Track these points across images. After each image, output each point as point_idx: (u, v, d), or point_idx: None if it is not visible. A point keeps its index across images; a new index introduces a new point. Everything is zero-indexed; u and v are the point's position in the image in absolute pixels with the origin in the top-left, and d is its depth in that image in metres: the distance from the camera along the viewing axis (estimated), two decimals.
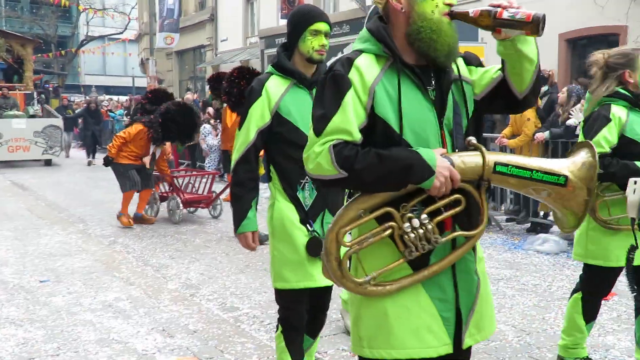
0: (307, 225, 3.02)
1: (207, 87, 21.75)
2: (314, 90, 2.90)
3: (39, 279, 6.03)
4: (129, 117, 19.41)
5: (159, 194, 9.34)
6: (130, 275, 6.17)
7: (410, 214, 1.98)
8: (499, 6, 1.91)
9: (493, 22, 1.92)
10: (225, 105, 10.31)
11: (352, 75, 2.01)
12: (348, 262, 2.07)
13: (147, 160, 8.77)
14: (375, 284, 2.05)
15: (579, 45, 13.01)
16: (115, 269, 6.40)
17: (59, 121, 16.99)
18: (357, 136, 1.99)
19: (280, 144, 3.03)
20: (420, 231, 1.97)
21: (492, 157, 1.99)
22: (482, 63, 2.21)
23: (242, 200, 3.06)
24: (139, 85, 37.18)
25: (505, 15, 1.89)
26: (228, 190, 9.02)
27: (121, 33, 40.32)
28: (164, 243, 7.60)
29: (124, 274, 6.21)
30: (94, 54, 40.40)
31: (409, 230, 1.98)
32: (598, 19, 12.07)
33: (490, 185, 2.02)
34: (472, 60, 2.19)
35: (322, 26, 3.01)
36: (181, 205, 8.88)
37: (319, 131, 2.01)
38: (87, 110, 18.47)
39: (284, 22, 16.39)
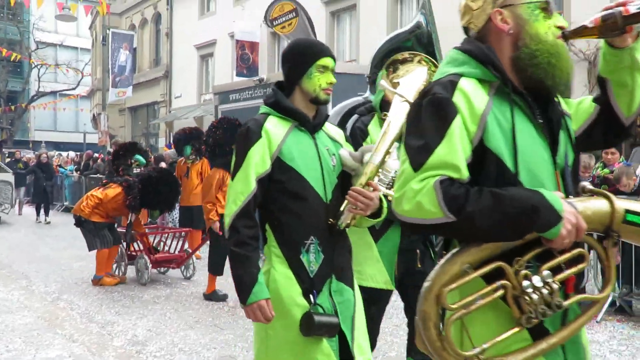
0: (310, 296, 2.55)
1: (161, 144, 21.68)
2: (318, 135, 2.68)
3: None
4: (79, 172, 19.14)
5: (126, 252, 8.59)
6: (73, 332, 5.93)
7: (525, 271, 1.63)
8: (619, 5, 1.68)
9: (622, 21, 1.68)
10: (180, 158, 10.27)
11: (458, 99, 1.69)
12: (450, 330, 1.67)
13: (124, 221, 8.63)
14: (486, 358, 1.66)
15: None
16: (58, 326, 6.15)
17: (9, 176, 16.14)
18: (465, 173, 1.66)
19: (281, 195, 2.57)
20: (545, 291, 1.62)
21: (622, 204, 1.66)
22: None
23: (249, 263, 2.51)
24: (90, 141, 36.74)
25: (633, 9, 1.66)
26: (198, 247, 8.82)
27: (74, 89, 40.03)
28: (110, 299, 7.36)
29: (67, 331, 5.96)
30: (45, 109, 39.84)
31: (530, 290, 1.62)
32: None
33: (618, 240, 1.69)
34: None
35: (329, 62, 2.64)
36: (150, 265, 8.26)
37: (418, 164, 1.65)
38: (38, 165, 17.56)
39: (238, 79, 16.58)
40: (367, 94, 3.95)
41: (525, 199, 1.59)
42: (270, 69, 19.12)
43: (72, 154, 24.53)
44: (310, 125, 2.65)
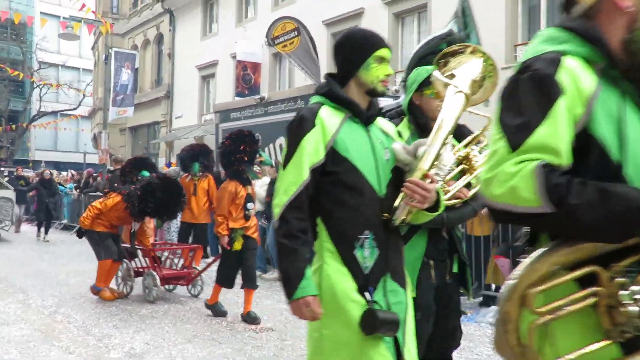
0: (367, 294, 2.41)
1: (161, 163, 21.68)
2: (371, 128, 2.58)
3: None
4: (78, 190, 19.10)
5: (134, 269, 8.38)
6: (70, 345, 5.86)
7: (623, 279, 1.46)
8: None
9: None
10: (184, 174, 10.23)
11: (563, 78, 1.52)
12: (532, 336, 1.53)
13: (125, 234, 8.50)
14: None
15: None
16: (55, 338, 6.08)
17: (10, 193, 15.83)
18: (567, 160, 1.50)
19: (334, 187, 2.44)
20: None
21: None
22: None
23: (296, 256, 2.36)
24: (90, 161, 36.76)
25: None
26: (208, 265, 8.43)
27: (75, 109, 40.16)
28: (108, 313, 7.29)
29: (63, 343, 5.90)
30: (46, 129, 39.95)
31: (627, 300, 1.44)
32: None
33: None
34: None
35: (386, 53, 2.57)
36: (159, 282, 7.92)
37: (515, 144, 1.49)
38: (41, 182, 17.26)
39: (239, 98, 16.62)
40: (401, 98, 3.96)
41: (635, 198, 1.42)
42: (271, 89, 19.19)
43: (71, 172, 24.57)
44: (364, 116, 2.56)
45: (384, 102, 10.89)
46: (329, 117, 2.48)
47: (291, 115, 9.37)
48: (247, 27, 21.65)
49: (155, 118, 26.94)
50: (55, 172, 24.70)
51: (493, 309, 7.20)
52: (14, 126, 38.47)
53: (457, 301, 3.38)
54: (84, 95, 39.05)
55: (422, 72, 3.34)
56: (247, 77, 20.06)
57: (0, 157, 31.87)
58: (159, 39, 27.83)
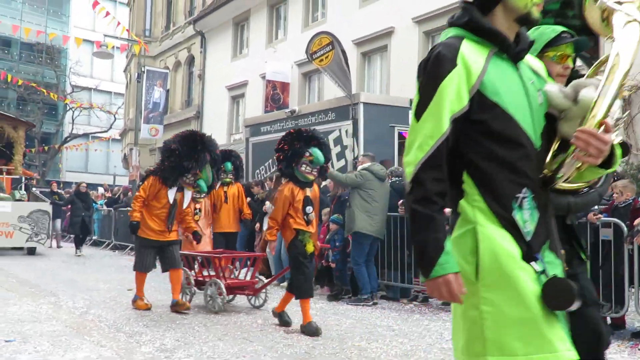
0: (534, 263, 1.99)
1: None
2: (521, 65, 2.15)
3: (4, 339, 5.70)
4: (108, 207, 19.28)
5: (193, 277, 8.10)
6: (101, 339, 5.85)
7: None
8: None
9: None
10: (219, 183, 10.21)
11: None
12: None
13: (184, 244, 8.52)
14: None
15: None
16: (86, 334, 6.08)
17: (46, 206, 15.58)
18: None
19: (484, 138, 2.04)
20: None
21: None
22: None
23: (434, 225, 1.96)
24: (120, 183, 37.19)
25: None
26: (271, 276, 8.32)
27: (106, 131, 40.80)
28: (138, 314, 7.29)
29: (95, 338, 5.89)
30: (77, 150, 40.61)
31: None
32: None
33: None
34: None
35: None
36: (224, 291, 7.52)
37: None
38: (76, 194, 16.84)
39: (268, 114, 16.70)
40: None
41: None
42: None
43: (101, 189, 24.85)
44: (514, 51, 2.11)
45: None
46: (472, 54, 2.04)
47: (321, 128, 9.35)
48: (277, 47, 21.87)
49: None
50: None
51: None
52: (46, 148, 39.20)
53: (591, 291, 3.00)
54: (115, 117, 39.69)
55: (546, 30, 2.91)
56: (276, 96, 20.21)
57: (31, 177, 32.34)
58: (190, 60, 28.23)
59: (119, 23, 17.35)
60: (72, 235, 18.15)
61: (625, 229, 6.42)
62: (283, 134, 12.31)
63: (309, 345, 5.78)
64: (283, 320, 6.70)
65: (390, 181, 9.10)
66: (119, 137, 38.49)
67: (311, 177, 6.56)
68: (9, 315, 6.93)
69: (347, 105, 10.89)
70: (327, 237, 9.11)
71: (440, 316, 7.63)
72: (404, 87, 15.71)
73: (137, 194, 7.90)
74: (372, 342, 6.03)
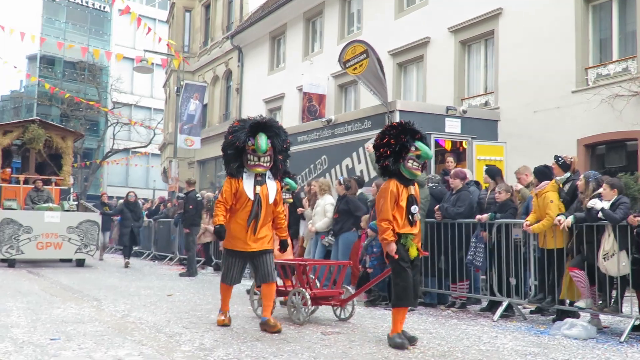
0: None
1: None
2: None
3: (49, 337, 5.86)
4: (148, 218, 19.58)
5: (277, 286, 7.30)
6: (142, 339, 5.97)
7: None
8: None
9: None
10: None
11: None
12: None
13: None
14: None
15: (597, 150, 13.15)
16: (128, 334, 6.21)
17: (96, 216, 14.94)
18: None
19: None
20: None
21: None
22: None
23: None
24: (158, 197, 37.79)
25: None
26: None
27: (145, 146, 41.53)
28: (178, 317, 7.40)
29: (136, 337, 6.02)
30: (118, 164, 41.38)
31: None
32: (615, 125, 12.27)
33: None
34: None
35: None
36: (309, 301, 7.04)
37: None
38: (126, 204, 16.44)
39: (304, 124, 16.83)
40: None
41: None
42: None
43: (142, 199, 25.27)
44: None
45: (451, 124, 10.64)
46: None
47: (358, 137, 9.42)
48: (313, 60, 22.06)
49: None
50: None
51: (568, 320, 6.95)
52: (88, 163, 40.07)
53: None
54: (154, 133, 40.40)
55: None
56: (312, 108, 20.37)
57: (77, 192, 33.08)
58: (228, 75, 28.65)
59: (160, 39, 17.68)
60: (118, 247, 17.98)
61: None
62: (320, 142, 12.57)
63: (346, 346, 5.81)
64: (398, 344, 5.75)
65: (428, 187, 9.10)
66: (159, 152, 39.12)
67: (419, 173, 6.03)
68: (53, 317, 7.12)
69: (383, 114, 10.93)
70: (365, 243, 9.14)
71: (478, 321, 7.58)
72: (440, 96, 15.71)
73: (217, 200, 6.83)
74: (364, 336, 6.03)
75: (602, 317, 7.25)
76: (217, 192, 18.93)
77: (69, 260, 15.16)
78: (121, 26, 49.78)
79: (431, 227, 8.82)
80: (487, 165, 10.31)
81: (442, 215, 8.71)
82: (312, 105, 20.55)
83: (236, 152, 6.55)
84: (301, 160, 12.67)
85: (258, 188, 6.61)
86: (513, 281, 7.95)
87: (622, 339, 6.43)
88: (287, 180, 8.78)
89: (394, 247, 5.82)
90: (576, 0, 13.39)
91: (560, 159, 7.98)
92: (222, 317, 6.83)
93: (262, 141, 6.45)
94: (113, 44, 50.24)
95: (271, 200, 6.72)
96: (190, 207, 13.36)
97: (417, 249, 6.00)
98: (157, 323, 6.93)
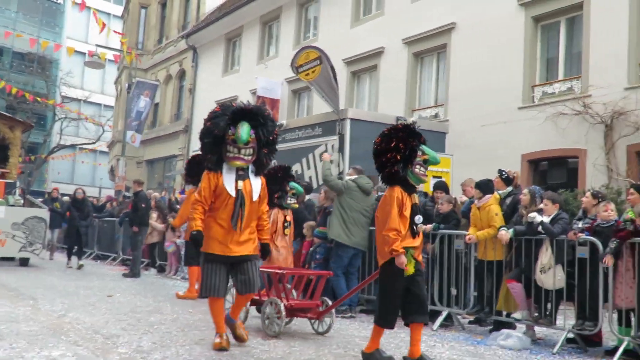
0: None
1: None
2: None
3: None
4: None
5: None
6: (78, 339, 5.85)
7: None
8: None
9: None
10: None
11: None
12: None
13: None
14: None
15: (540, 166, 13.51)
16: (63, 334, 6.08)
17: (43, 212, 14.15)
18: None
19: None
20: None
21: None
22: None
23: None
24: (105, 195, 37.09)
25: None
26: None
27: (94, 143, 40.71)
28: (117, 319, 7.27)
29: (71, 338, 5.89)
30: (64, 159, 40.42)
31: None
32: (559, 142, 12.63)
33: None
34: None
35: None
36: (284, 312, 6.59)
37: None
38: (73, 202, 15.12)
39: None
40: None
41: None
42: None
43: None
44: None
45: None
46: None
47: (308, 143, 9.41)
48: (268, 64, 22.05)
49: (172, 152, 27.23)
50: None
51: (504, 331, 7.11)
52: (32, 157, 39.02)
53: None
54: (103, 129, 39.64)
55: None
56: None
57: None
58: (181, 74, 28.37)
59: (114, 31, 17.36)
60: (62, 246, 17.14)
61: (601, 247, 6.53)
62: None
63: (286, 351, 5.81)
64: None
65: (376, 196, 9.19)
66: (107, 149, 38.41)
67: (425, 180, 5.63)
68: None
69: (334, 121, 11.01)
70: (310, 250, 9.16)
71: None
72: (391, 106, 15.90)
73: (195, 198, 5.88)
74: (349, 350, 6.07)
75: (537, 328, 7.45)
76: (163, 192, 18.74)
77: (12, 259, 14.07)
78: (74, 19, 48.73)
79: (375, 235, 8.89)
80: (434, 177, 10.49)
81: None
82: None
83: (214, 142, 5.72)
84: None
85: (240, 183, 5.74)
86: (454, 291, 8.10)
87: (555, 350, 6.61)
88: (293, 184, 8.34)
89: (404, 259, 5.26)
90: (526, 20, 13.77)
91: (503, 173, 8.18)
92: (219, 340, 5.72)
93: (243, 130, 5.59)
94: (65, 37, 49.13)
95: (255, 198, 5.84)
96: (143, 205, 13.19)
97: (418, 262, 5.48)
98: (95, 324, 6.80)
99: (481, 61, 14.46)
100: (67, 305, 8.15)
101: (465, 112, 14.55)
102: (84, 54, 41.82)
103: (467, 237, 7.87)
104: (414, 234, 5.42)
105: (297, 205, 8.69)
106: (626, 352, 6.40)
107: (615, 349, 6.47)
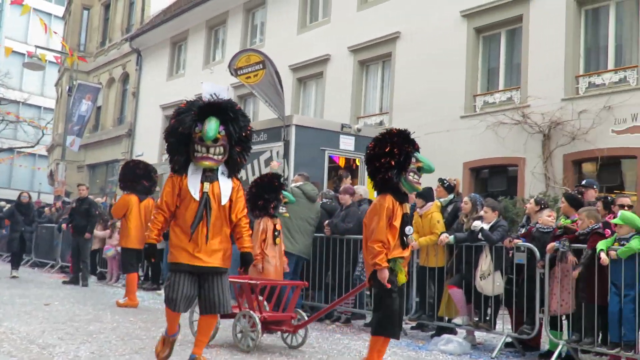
0: None
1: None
2: None
3: None
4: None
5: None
6: (12, 350, 5.67)
7: None
8: None
9: None
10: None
11: None
12: None
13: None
14: None
15: (481, 174, 13.82)
16: None
17: None
18: None
19: None
20: None
21: None
22: None
23: None
24: (45, 200, 36.03)
25: None
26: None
27: (33, 147, 39.56)
28: (54, 328, 7.07)
29: (5, 348, 5.70)
30: (1, 163, 39.14)
31: None
32: (499, 151, 12.95)
33: None
34: None
35: None
36: (259, 326, 6.23)
37: None
38: (17, 206, 14.14)
39: None
40: None
41: None
42: None
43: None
44: None
45: (346, 141, 10.80)
46: None
47: (254, 148, 9.27)
48: (214, 69, 21.89)
49: (115, 156, 26.71)
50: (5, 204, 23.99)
51: (445, 336, 7.23)
52: None
53: None
54: (43, 133, 38.57)
55: None
56: None
57: None
58: (125, 77, 27.88)
59: (55, 32, 16.92)
60: (5, 254, 16.18)
61: (538, 253, 6.71)
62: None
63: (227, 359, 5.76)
64: None
65: (321, 202, 9.23)
66: (46, 153, 37.38)
67: (419, 188, 5.45)
68: None
69: (279, 127, 11.00)
70: None
71: (361, 336, 7.72)
72: (337, 113, 15.99)
73: (156, 205, 5.39)
74: (292, 357, 6.06)
75: (477, 333, 7.60)
76: (105, 198, 18.35)
77: None
78: (13, 18, 47.29)
79: (320, 241, 8.93)
80: None
81: (331, 230, 8.83)
82: None
83: (180, 141, 5.07)
84: None
85: (207, 186, 5.06)
86: None
87: (494, 354, 6.76)
88: (285, 193, 8.08)
89: (386, 274, 5.02)
90: (468, 30, 14.08)
91: (445, 181, 8.33)
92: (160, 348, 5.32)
93: (211, 126, 4.94)
94: (3, 37, 47.60)
95: (224, 202, 5.11)
96: (97, 212, 12.91)
97: (405, 274, 5.29)
98: (31, 333, 6.59)
99: (425, 70, 14.72)
100: (0, 314, 7.87)
101: (409, 120, 14.69)
102: (23, 54, 40.64)
103: (411, 244, 7.96)
104: (404, 245, 5.19)
105: (287, 215, 8.37)
106: (567, 357, 6.62)
107: (550, 352, 6.66)
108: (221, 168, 5.16)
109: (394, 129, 5.33)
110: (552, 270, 6.70)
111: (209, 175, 5.10)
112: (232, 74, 12.32)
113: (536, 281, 6.73)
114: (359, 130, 11.69)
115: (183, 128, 5.01)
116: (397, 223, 5.11)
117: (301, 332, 6.60)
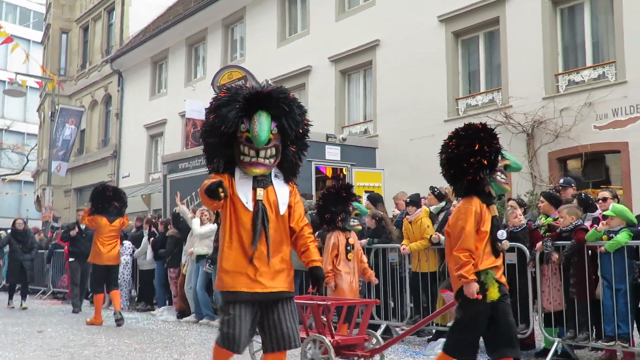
0: None
1: None
2: None
3: None
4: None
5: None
6: None
7: None
8: None
9: None
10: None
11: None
12: None
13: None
14: None
15: None
16: None
17: None
18: None
19: None
20: None
21: None
22: None
23: None
24: (32, 227, 35.76)
25: None
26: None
27: (18, 173, 39.32)
28: (48, 355, 7.01)
29: None
30: None
31: None
32: None
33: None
34: None
35: None
36: (332, 352, 5.55)
37: None
38: (13, 234, 13.32)
39: (187, 150, 16.64)
40: None
41: None
42: None
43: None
44: None
45: (331, 151, 10.87)
46: None
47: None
48: (196, 86, 21.90)
49: (101, 178, 26.51)
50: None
51: (440, 340, 7.23)
52: None
53: None
54: (27, 159, 38.37)
55: None
56: (197, 133, 20.11)
57: None
58: (107, 99, 27.82)
59: (29, 57, 16.88)
60: (5, 284, 15.49)
61: (528, 252, 6.76)
62: (201, 170, 12.42)
63: None
64: None
65: (307, 214, 9.22)
66: (32, 179, 37.16)
67: (508, 188, 4.88)
68: None
69: None
70: None
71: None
72: (321, 124, 16.02)
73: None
74: None
75: None
76: None
77: None
78: None
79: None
80: (366, 191, 10.65)
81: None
82: (197, 131, 20.28)
83: (222, 141, 4.02)
84: (182, 188, 12.48)
85: (260, 192, 4.04)
86: (392, 304, 8.21)
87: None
88: (356, 204, 7.55)
89: (475, 287, 4.31)
90: (447, 35, 14.20)
91: (435, 189, 8.38)
92: None
93: (262, 127, 3.92)
94: None
95: (282, 210, 4.10)
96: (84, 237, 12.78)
97: (502, 285, 4.49)
98: None
99: (406, 76, 14.81)
100: None
101: (393, 127, 14.84)
102: (3, 81, 40.45)
103: (402, 248, 8.01)
104: (497, 253, 4.49)
105: (360, 227, 7.98)
106: (563, 353, 6.65)
107: (546, 350, 6.70)
108: (274, 170, 4.15)
109: (474, 123, 4.61)
110: (541, 267, 6.75)
111: (261, 180, 4.08)
112: (215, 92, 12.34)
113: (528, 280, 6.77)
114: (344, 139, 11.75)
115: (226, 126, 3.94)
116: (486, 228, 4.43)
117: (377, 356, 5.94)
